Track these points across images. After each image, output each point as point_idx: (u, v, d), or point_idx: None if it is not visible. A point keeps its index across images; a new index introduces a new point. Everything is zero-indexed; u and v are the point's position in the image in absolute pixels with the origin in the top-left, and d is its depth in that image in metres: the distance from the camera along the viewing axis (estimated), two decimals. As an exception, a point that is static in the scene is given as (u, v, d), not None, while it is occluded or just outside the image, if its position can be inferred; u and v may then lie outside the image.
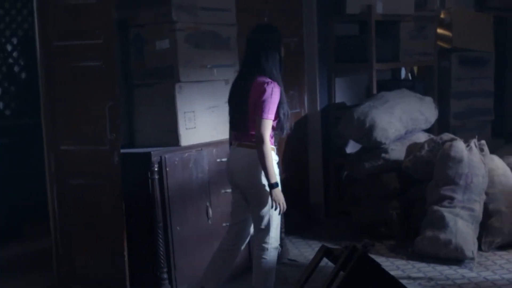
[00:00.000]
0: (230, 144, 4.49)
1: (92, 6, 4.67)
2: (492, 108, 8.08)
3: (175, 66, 4.81)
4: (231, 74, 5.26)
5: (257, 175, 4.22)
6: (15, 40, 7.33)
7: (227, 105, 5.23)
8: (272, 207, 4.19)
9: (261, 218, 4.29)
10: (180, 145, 4.87)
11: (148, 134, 5.00)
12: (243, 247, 4.58)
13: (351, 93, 7.49)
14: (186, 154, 4.87)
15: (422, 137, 6.46)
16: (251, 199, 4.33)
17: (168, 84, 4.85)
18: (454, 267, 5.35)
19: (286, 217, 5.56)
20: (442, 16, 7.68)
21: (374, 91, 6.76)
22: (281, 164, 5.68)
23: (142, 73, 4.97)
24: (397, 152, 6.29)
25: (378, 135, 6.12)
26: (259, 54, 4.29)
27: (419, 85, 7.40)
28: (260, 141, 4.12)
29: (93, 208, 4.85)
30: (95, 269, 4.90)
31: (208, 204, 5.01)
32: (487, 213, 5.73)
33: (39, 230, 6.01)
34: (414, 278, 5.14)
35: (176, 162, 4.77)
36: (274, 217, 4.29)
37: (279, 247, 4.40)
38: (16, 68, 7.37)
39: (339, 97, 7.30)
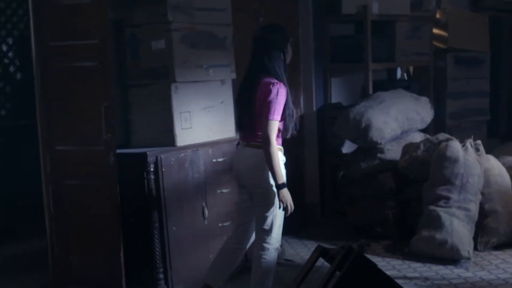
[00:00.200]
0: (238, 144, 4.48)
1: (87, 6, 4.67)
2: (487, 108, 8.09)
3: (171, 66, 4.80)
4: (227, 74, 5.27)
5: (264, 176, 4.22)
6: (10, 40, 7.33)
7: (223, 105, 5.25)
8: (279, 207, 4.19)
9: (265, 218, 4.29)
10: (176, 145, 4.87)
11: (144, 134, 4.99)
12: (248, 246, 4.57)
13: (347, 93, 7.49)
14: (182, 154, 4.86)
15: (418, 137, 6.46)
16: (256, 198, 4.32)
17: (164, 84, 4.84)
18: (450, 267, 5.35)
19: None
20: (437, 16, 7.68)
21: (370, 91, 6.77)
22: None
23: (137, 73, 4.96)
24: (393, 152, 6.29)
25: (374, 135, 6.12)
26: (262, 54, 4.29)
27: (415, 85, 7.41)
28: (267, 142, 4.12)
29: (89, 209, 4.84)
30: (91, 269, 4.89)
31: (204, 204, 5.01)
32: (483, 213, 5.74)
33: (35, 230, 6.00)
34: (410, 278, 5.14)
35: (172, 162, 4.77)
36: (277, 218, 4.29)
37: (279, 248, 4.40)
38: (11, 68, 7.37)
39: (335, 97, 7.30)
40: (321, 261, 4.28)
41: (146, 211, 4.68)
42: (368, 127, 6.10)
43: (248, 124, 4.31)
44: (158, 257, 4.70)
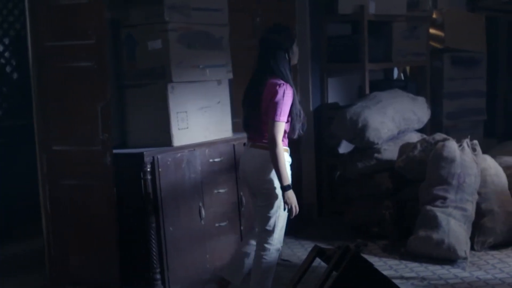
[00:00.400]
0: (244, 144, 4.48)
1: (84, 6, 4.67)
2: (484, 108, 8.09)
3: (168, 67, 4.80)
4: (223, 74, 5.27)
5: (268, 176, 4.23)
6: (6, 40, 7.32)
7: (219, 105, 5.25)
8: (284, 209, 4.20)
9: (268, 218, 4.29)
10: (172, 146, 4.87)
11: (140, 134, 4.99)
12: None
13: (344, 93, 7.49)
14: (179, 155, 4.86)
15: (414, 137, 6.46)
16: (260, 199, 4.33)
17: (161, 84, 4.84)
18: (447, 266, 5.35)
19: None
20: (434, 16, 7.69)
21: (367, 91, 6.77)
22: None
23: (134, 74, 4.96)
24: (390, 152, 6.29)
25: (371, 135, 6.12)
26: (268, 55, 4.29)
27: (412, 85, 7.41)
28: (273, 143, 4.12)
29: (85, 209, 4.84)
30: (88, 270, 4.89)
31: (201, 204, 5.01)
32: (480, 213, 5.74)
33: (35, 230, 5.99)
34: (407, 278, 5.14)
35: (168, 163, 4.77)
36: (280, 219, 4.30)
37: (280, 249, 4.40)
38: (8, 68, 7.36)
39: (331, 97, 7.30)
40: (318, 261, 4.28)
41: (143, 211, 4.67)
42: (365, 127, 6.10)
43: (254, 125, 4.32)
44: (155, 257, 4.70)
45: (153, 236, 4.69)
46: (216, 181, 5.14)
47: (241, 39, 5.92)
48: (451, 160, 5.66)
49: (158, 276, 4.73)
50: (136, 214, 4.73)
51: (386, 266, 5.45)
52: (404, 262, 5.53)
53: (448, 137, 6.03)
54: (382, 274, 4.03)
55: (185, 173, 4.90)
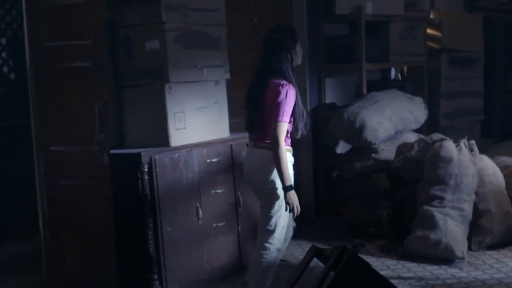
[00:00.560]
0: (247, 145, 4.48)
1: (81, 7, 4.66)
2: (481, 108, 8.10)
3: (165, 67, 4.80)
4: (220, 75, 5.26)
5: (271, 176, 4.23)
6: (4, 41, 7.31)
7: (217, 105, 5.25)
8: (286, 209, 4.20)
9: (269, 218, 4.29)
10: (170, 146, 4.87)
11: (138, 134, 4.99)
12: (286, 245, 4.58)
13: (341, 93, 7.49)
14: (176, 155, 4.86)
15: (412, 137, 6.47)
16: (262, 198, 4.34)
17: (158, 84, 4.84)
18: (444, 266, 5.35)
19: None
20: (431, 16, 7.69)
21: (364, 91, 6.77)
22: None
23: (131, 74, 4.96)
24: (387, 152, 6.30)
25: (368, 135, 6.12)
26: (270, 55, 4.30)
27: (409, 85, 7.42)
28: (275, 144, 4.12)
29: (83, 209, 4.84)
30: (85, 270, 4.89)
31: (198, 204, 5.01)
32: (477, 213, 5.75)
33: (34, 230, 5.98)
34: (405, 278, 5.15)
35: (166, 163, 4.76)
36: (281, 219, 4.30)
37: (281, 248, 4.41)
38: (5, 69, 7.35)
39: (329, 97, 7.30)
40: (315, 261, 4.28)
41: (141, 211, 4.67)
42: (362, 127, 6.10)
43: (257, 125, 4.32)
44: (152, 258, 4.70)
45: (150, 236, 4.68)
46: (213, 181, 5.13)
47: (238, 39, 5.92)
48: (449, 160, 5.67)
49: (156, 276, 4.73)
50: (134, 215, 4.73)
51: (384, 266, 5.45)
52: (401, 262, 5.53)
53: (446, 137, 6.03)
54: (380, 274, 4.03)
55: (183, 173, 4.89)
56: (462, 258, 5.42)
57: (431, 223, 5.51)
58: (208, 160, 5.09)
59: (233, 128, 5.52)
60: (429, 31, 7.63)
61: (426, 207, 5.62)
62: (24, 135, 5.59)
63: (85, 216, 4.83)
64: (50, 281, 5.01)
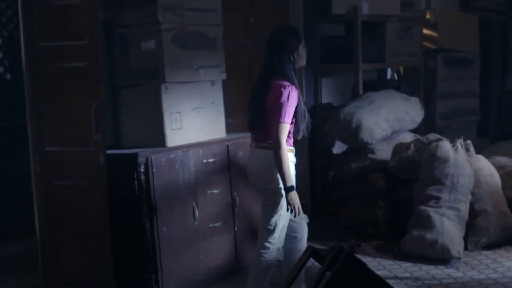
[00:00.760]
0: (250, 146, 4.49)
1: (77, 7, 4.67)
2: (477, 108, 8.10)
3: (161, 67, 4.80)
4: (217, 75, 5.26)
5: (272, 176, 4.24)
6: (-1, 41, 7.30)
7: (213, 106, 5.25)
8: (287, 210, 4.21)
9: (270, 217, 4.31)
10: (166, 146, 4.87)
11: (134, 135, 4.98)
12: (305, 236, 4.57)
13: (338, 94, 7.49)
14: (173, 155, 4.85)
15: (408, 137, 6.47)
16: (264, 198, 4.36)
17: (154, 85, 4.84)
18: (441, 266, 5.36)
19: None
20: (427, 16, 7.70)
21: (360, 92, 6.77)
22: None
23: (127, 74, 4.95)
24: (384, 152, 6.30)
25: (365, 135, 6.12)
26: (273, 56, 4.30)
27: (405, 85, 7.42)
28: (277, 144, 4.13)
29: (79, 209, 4.84)
30: (81, 270, 4.89)
31: (194, 205, 5.00)
32: (473, 213, 5.75)
33: (26, 231, 5.98)
34: (401, 278, 5.15)
35: (162, 163, 4.76)
36: (282, 219, 4.31)
37: (281, 248, 4.41)
38: (1, 69, 7.34)
39: (325, 98, 7.30)
40: (311, 261, 4.27)
41: (137, 211, 4.67)
42: (358, 128, 6.11)
43: (259, 125, 4.33)
44: (148, 258, 4.69)
45: (147, 237, 4.68)
46: (209, 182, 5.13)
47: (235, 39, 5.92)
48: (445, 160, 5.67)
49: (152, 277, 4.72)
50: (130, 215, 4.73)
51: (380, 266, 5.45)
52: (398, 262, 5.54)
53: (442, 137, 6.04)
54: (376, 274, 4.02)
55: (179, 174, 4.89)
56: (459, 258, 5.43)
57: (427, 223, 5.51)
58: (205, 161, 5.08)
59: (229, 128, 5.53)
60: (425, 31, 7.64)
61: (422, 207, 5.63)
62: (20, 135, 5.58)
63: (82, 217, 4.83)
64: (47, 281, 5.01)
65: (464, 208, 5.64)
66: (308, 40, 6.93)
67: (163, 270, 4.77)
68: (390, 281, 4.31)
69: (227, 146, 5.27)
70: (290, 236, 4.50)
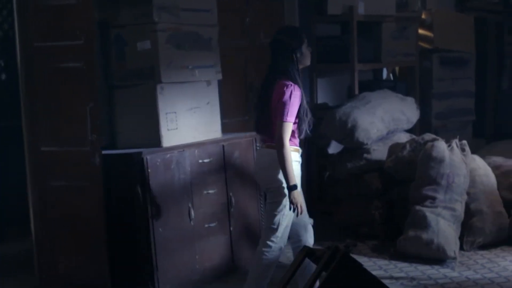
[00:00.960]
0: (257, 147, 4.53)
1: (72, 7, 4.66)
2: (473, 108, 8.12)
3: (157, 67, 4.79)
4: (212, 75, 5.26)
5: (275, 175, 4.26)
6: (-5, 41, 7.28)
7: (209, 106, 5.24)
8: (290, 209, 4.22)
9: (273, 216, 4.32)
10: (162, 146, 4.86)
11: (129, 135, 4.98)
12: (311, 239, 4.56)
13: (333, 94, 7.50)
14: (168, 155, 4.85)
15: (404, 137, 6.47)
16: (268, 196, 4.39)
17: (150, 85, 4.83)
18: (436, 266, 5.36)
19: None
20: (423, 16, 7.71)
21: (356, 92, 6.77)
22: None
23: (123, 74, 4.95)
24: (379, 152, 6.30)
25: (360, 135, 6.13)
26: (276, 56, 4.33)
27: (401, 85, 7.43)
28: (280, 143, 4.15)
29: (74, 210, 4.83)
30: (77, 271, 4.88)
31: (190, 205, 5.00)
32: (469, 213, 5.75)
33: (21, 232, 5.96)
34: (397, 278, 5.15)
35: (158, 163, 4.75)
36: (285, 218, 4.33)
37: (283, 247, 4.41)
38: (-4, 69, 7.33)
39: (321, 98, 7.30)
40: (307, 261, 4.27)
41: (132, 212, 4.66)
42: (354, 128, 6.11)
43: (265, 126, 4.36)
44: (144, 258, 4.69)
45: (142, 237, 4.67)
46: (205, 182, 5.13)
47: (230, 39, 5.92)
48: (440, 160, 5.67)
49: (148, 277, 4.72)
50: (126, 215, 4.72)
51: (376, 266, 5.45)
52: (393, 262, 5.54)
53: (437, 137, 6.04)
54: (372, 274, 4.02)
55: (175, 174, 4.89)
56: (454, 258, 5.43)
57: (423, 223, 5.52)
58: (200, 161, 5.08)
59: (225, 129, 5.52)
60: (420, 31, 7.64)
61: (418, 207, 5.63)
62: (16, 135, 5.57)
63: (77, 217, 4.82)
64: (43, 282, 4.99)
65: (460, 208, 5.64)
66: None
67: (159, 270, 4.77)
68: (385, 281, 4.30)
69: (223, 146, 5.27)
70: (295, 239, 4.52)
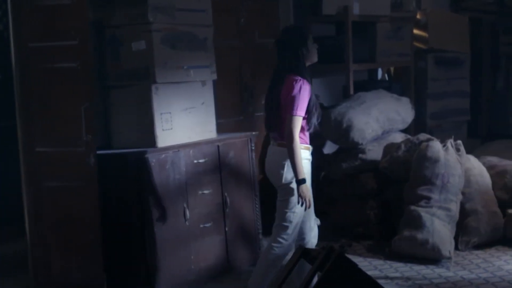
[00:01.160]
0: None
1: (67, 7, 4.64)
2: (468, 108, 8.13)
3: (151, 67, 4.79)
4: (207, 75, 5.26)
5: (285, 172, 4.30)
6: (-11, 41, 7.27)
7: (204, 106, 5.24)
8: (298, 202, 4.25)
9: (284, 213, 4.36)
10: (157, 147, 4.86)
11: (124, 135, 4.97)
12: (314, 239, 4.61)
13: (328, 94, 7.49)
14: (163, 155, 4.84)
15: (398, 138, 6.48)
16: (279, 194, 4.42)
17: (145, 85, 4.83)
18: (431, 266, 5.37)
19: (263, 218, 5.57)
20: (418, 17, 7.72)
21: (351, 92, 6.78)
22: (258, 164, 5.69)
23: (118, 74, 4.94)
24: (374, 152, 6.30)
25: (355, 135, 6.13)
26: (283, 54, 4.40)
27: (396, 85, 7.43)
28: (290, 137, 4.18)
29: (69, 210, 4.81)
30: (72, 272, 4.86)
31: (185, 205, 4.99)
32: (464, 213, 5.76)
33: (17, 232, 5.95)
34: (392, 278, 5.15)
35: (153, 164, 4.75)
36: (296, 215, 4.36)
37: (293, 245, 4.42)
38: (-10, 70, 7.31)
39: (316, 98, 7.29)
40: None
41: (127, 212, 4.66)
42: (349, 128, 6.11)
43: (275, 124, 4.40)
44: (139, 259, 4.68)
45: (137, 237, 4.67)
46: (200, 182, 5.13)
47: (225, 40, 5.92)
48: (435, 160, 5.68)
49: (143, 277, 4.71)
50: (120, 216, 4.72)
51: (371, 266, 5.45)
52: (388, 262, 5.54)
53: (432, 137, 6.05)
54: (367, 274, 4.03)
55: (170, 174, 4.88)
56: (449, 258, 5.44)
57: (418, 223, 5.52)
58: (195, 161, 5.08)
59: (220, 129, 5.52)
60: (415, 31, 7.65)
61: (413, 207, 5.63)
62: (10, 136, 5.56)
63: (72, 218, 4.81)
64: (37, 282, 4.98)
65: (455, 208, 5.65)
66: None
67: (154, 270, 4.76)
68: (381, 281, 4.31)
69: (218, 146, 5.27)
70: (299, 238, 4.54)
